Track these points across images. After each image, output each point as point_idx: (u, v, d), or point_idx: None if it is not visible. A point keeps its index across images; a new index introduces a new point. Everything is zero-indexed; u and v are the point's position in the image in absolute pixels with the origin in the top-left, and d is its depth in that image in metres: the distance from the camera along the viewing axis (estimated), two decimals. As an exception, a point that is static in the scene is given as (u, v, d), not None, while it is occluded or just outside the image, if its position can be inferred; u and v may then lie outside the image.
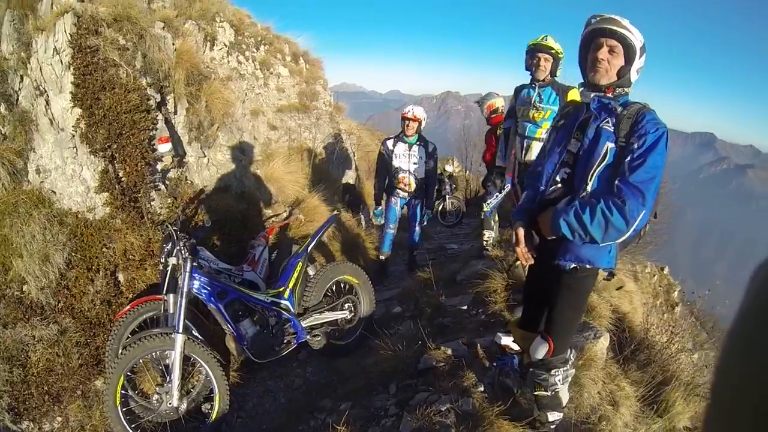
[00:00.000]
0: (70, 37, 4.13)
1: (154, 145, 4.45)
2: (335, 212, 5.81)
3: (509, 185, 5.38)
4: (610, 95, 2.44)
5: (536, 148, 4.52)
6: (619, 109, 2.42)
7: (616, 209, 2.22)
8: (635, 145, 2.30)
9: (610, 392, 3.61)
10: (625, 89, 2.46)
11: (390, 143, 6.34)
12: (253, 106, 7.08)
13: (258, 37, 7.68)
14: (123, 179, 4.18)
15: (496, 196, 6.09)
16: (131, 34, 4.62)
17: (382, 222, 6.69)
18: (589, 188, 2.40)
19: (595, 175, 2.38)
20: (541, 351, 2.67)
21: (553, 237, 2.45)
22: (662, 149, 2.29)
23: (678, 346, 4.58)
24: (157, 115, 4.56)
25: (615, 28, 2.33)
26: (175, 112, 5.06)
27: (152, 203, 4.39)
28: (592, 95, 2.50)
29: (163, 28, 5.14)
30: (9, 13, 4.38)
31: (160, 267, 3.86)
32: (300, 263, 4.45)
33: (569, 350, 2.74)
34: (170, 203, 4.50)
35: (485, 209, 6.10)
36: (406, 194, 6.45)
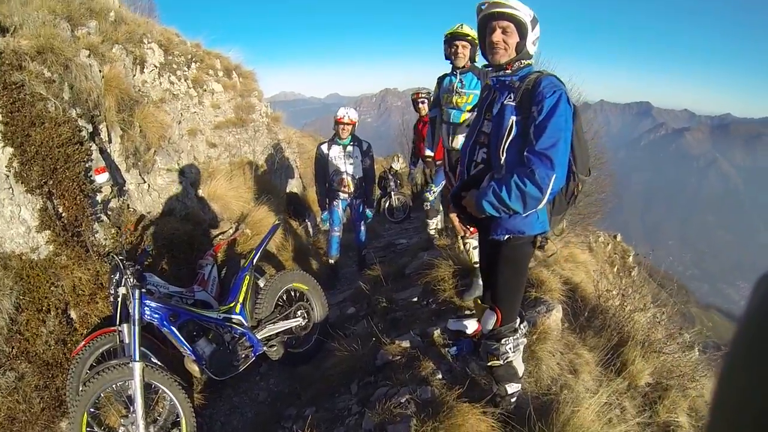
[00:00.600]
0: None
1: (91, 176, 4.41)
2: (277, 222, 5.89)
3: (441, 173, 5.58)
4: (509, 71, 2.59)
5: (461, 133, 4.61)
6: (518, 82, 2.55)
7: (527, 179, 2.33)
8: (535, 113, 2.41)
9: (570, 361, 3.76)
10: (524, 61, 2.59)
11: (324, 147, 6.50)
12: (189, 126, 7.05)
13: (188, 54, 7.63)
14: (63, 215, 4.12)
15: (441, 183, 6.38)
16: (56, 66, 4.55)
17: (328, 226, 6.84)
18: (502, 162, 2.53)
19: (504, 149, 2.52)
20: (490, 322, 2.78)
21: (482, 216, 2.60)
22: (562, 111, 2.38)
23: (631, 307, 4.76)
24: (90, 146, 4.50)
25: (503, 10, 2.47)
26: (110, 141, 5.01)
27: (96, 235, 4.35)
28: (490, 75, 2.73)
29: (89, 55, 5.08)
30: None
31: (111, 298, 3.83)
32: (247, 276, 4.48)
33: (518, 320, 2.84)
34: (114, 233, 4.47)
35: (430, 198, 6.30)
36: (347, 195, 6.62)
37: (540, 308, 3.97)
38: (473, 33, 4.53)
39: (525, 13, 2.49)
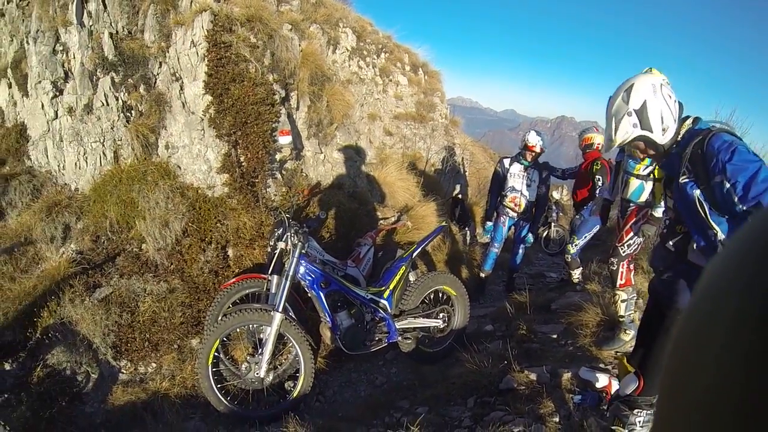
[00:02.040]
0: (206, 33, 4.49)
1: (275, 136, 4.66)
2: (443, 224, 5.72)
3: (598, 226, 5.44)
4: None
5: (633, 183, 4.32)
6: (686, 151, 2.34)
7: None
8: (729, 182, 2.16)
9: None
10: (668, 137, 2.40)
11: (507, 162, 6.33)
12: (370, 111, 7.20)
13: (379, 44, 7.83)
14: (243, 164, 4.43)
15: (585, 237, 5.88)
16: (262, 34, 4.89)
17: (489, 239, 6.62)
18: (720, 234, 2.29)
19: (713, 221, 2.29)
20: (630, 387, 2.68)
21: None
22: (746, 156, 2.15)
23: None
24: (280, 109, 4.78)
25: (616, 145, 2.46)
26: (297, 108, 5.26)
27: (268, 189, 4.61)
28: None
29: (291, 30, 5.38)
30: (153, 7, 4.87)
31: (269, 249, 4.05)
32: (404, 267, 4.50)
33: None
34: (285, 192, 4.68)
35: (571, 250, 5.93)
36: (515, 214, 6.37)
37: None
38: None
39: (628, 128, 2.38)
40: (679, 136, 2.41)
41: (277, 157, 4.73)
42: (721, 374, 0.31)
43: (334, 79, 6.10)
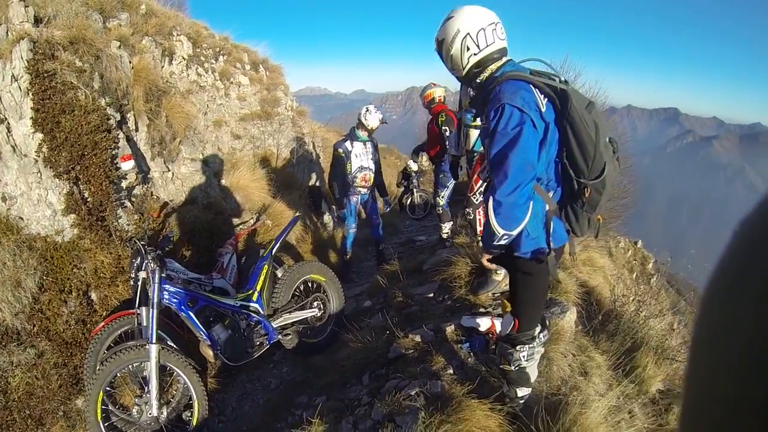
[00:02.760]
0: (27, 63, 4.20)
1: (117, 163, 4.54)
2: (297, 214, 5.95)
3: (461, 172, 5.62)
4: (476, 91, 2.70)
5: (473, 135, 4.62)
6: (480, 98, 2.61)
7: (491, 200, 2.37)
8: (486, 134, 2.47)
9: (581, 363, 3.74)
10: (457, 74, 2.64)
11: (347, 145, 6.54)
12: (215, 117, 7.19)
13: (216, 48, 7.77)
14: (89, 200, 4.26)
15: (447, 187, 6.35)
16: (87, 56, 4.69)
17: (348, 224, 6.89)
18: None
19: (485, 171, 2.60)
20: (507, 327, 2.78)
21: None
22: (506, 121, 2.33)
23: (646, 313, 4.72)
24: (118, 134, 4.64)
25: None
26: (136, 130, 5.14)
27: (119, 221, 4.49)
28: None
29: (119, 47, 5.21)
30: (-36, 43, 4.42)
31: (131, 282, 3.95)
32: (266, 266, 4.55)
33: (538, 328, 2.81)
34: (137, 219, 4.60)
35: (441, 203, 6.37)
36: (366, 190, 6.69)
37: (554, 309, 3.96)
38: None
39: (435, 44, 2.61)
40: (484, 79, 2.54)
41: (123, 184, 4.64)
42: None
43: (173, 92, 6.02)
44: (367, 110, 6.57)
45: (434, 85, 6.91)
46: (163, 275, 3.79)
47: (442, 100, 6.64)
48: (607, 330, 4.36)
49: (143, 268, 3.76)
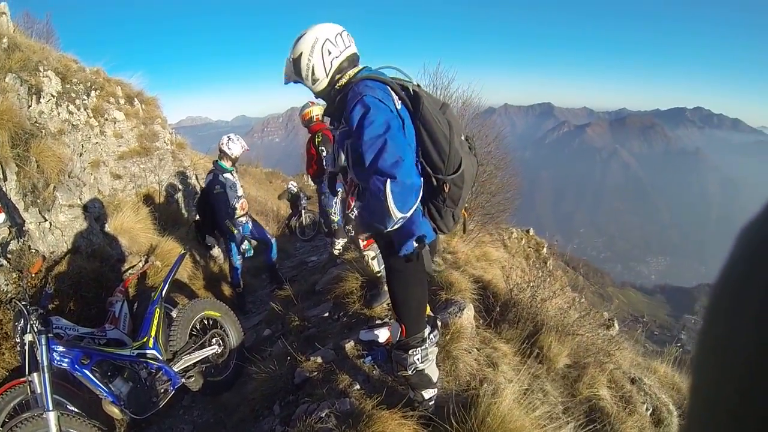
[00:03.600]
0: None
1: None
2: (182, 251, 5.78)
3: (341, 189, 5.68)
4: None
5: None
6: (335, 105, 2.73)
7: (372, 196, 2.32)
8: (353, 133, 2.45)
9: (487, 356, 3.85)
10: (319, 87, 2.70)
11: (221, 177, 6.42)
12: (92, 158, 6.82)
13: (88, 82, 7.37)
14: None
15: (336, 202, 6.49)
16: None
17: (251, 254, 6.76)
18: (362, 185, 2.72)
19: (354, 173, 2.65)
20: (396, 333, 2.85)
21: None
22: (372, 117, 2.35)
23: (542, 296, 4.96)
24: None
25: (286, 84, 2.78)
26: (5, 179, 4.78)
27: None
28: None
29: (-21, 87, 4.83)
30: None
31: (18, 348, 3.68)
32: (157, 309, 4.40)
33: (426, 329, 2.83)
34: (16, 278, 4.28)
35: (335, 219, 6.46)
36: (245, 218, 6.72)
37: (451, 309, 4.07)
38: None
39: (288, 72, 2.72)
40: (343, 84, 2.63)
41: (-3, 240, 4.31)
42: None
43: (43, 133, 5.63)
44: (229, 139, 6.51)
45: (312, 103, 6.84)
46: (50, 335, 3.54)
47: (320, 119, 6.64)
48: (507, 319, 4.54)
49: (28, 331, 3.49)
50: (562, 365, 4.38)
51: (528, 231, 14.76)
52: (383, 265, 4.35)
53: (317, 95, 2.75)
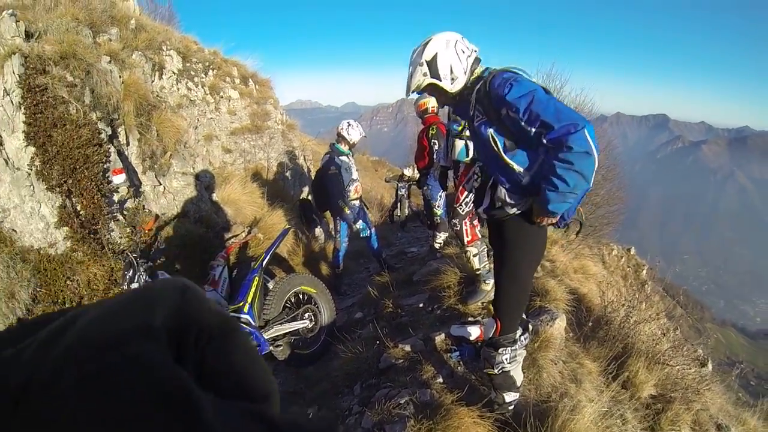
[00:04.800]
0: (18, 78, 4.22)
1: (108, 177, 4.55)
2: (287, 227, 5.92)
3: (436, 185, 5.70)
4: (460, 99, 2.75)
5: (458, 145, 4.61)
6: (472, 97, 2.63)
7: (572, 157, 2.21)
8: (510, 113, 2.38)
9: (572, 370, 3.77)
10: (457, 86, 2.66)
11: (336, 160, 6.40)
12: (206, 131, 7.22)
13: (206, 62, 7.82)
14: (81, 213, 4.26)
15: (440, 196, 6.34)
16: (78, 71, 4.71)
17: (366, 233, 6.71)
18: (518, 168, 2.48)
19: (508, 158, 2.49)
20: (490, 330, 2.85)
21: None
22: (526, 86, 2.36)
23: (636, 318, 4.73)
24: (109, 148, 4.66)
25: (410, 94, 2.80)
26: (128, 144, 5.17)
27: (112, 234, 4.49)
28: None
29: (110, 61, 5.25)
30: (-44, 57, 4.44)
31: None
32: (256, 278, 4.52)
33: (519, 330, 2.85)
34: (129, 232, 4.60)
35: (438, 212, 6.32)
36: (358, 201, 6.66)
37: (544, 317, 4.00)
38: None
39: (419, 77, 2.65)
40: (469, 84, 2.66)
41: (115, 198, 4.64)
42: None
43: (163, 106, 6.05)
44: (349, 125, 6.50)
45: (428, 94, 6.73)
46: None
47: (435, 111, 6.53)
48: (597, 336, 4.38)
49: (135, 281, 3.74)
50: (647, 395, 4.06)
51: (629, 249, 13.81)
52: (484, 263, 4.39)
53: (451, 97, 2.74)
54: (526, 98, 2.32)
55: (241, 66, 8.94)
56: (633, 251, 14.07)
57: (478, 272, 4.37)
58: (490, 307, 3.06)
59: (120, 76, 5.34)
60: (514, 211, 2.62)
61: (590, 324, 4.40)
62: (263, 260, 4.71)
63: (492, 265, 4.29)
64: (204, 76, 7.61)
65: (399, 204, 11.39)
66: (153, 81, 6.41)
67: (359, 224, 6.50)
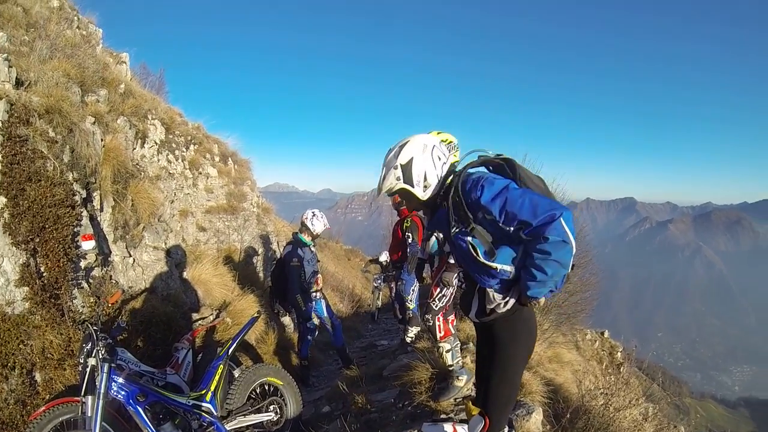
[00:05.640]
0: (1, 124, 4.03)
1: (77, 241, 4.27)
2: (256, 314, 5.65)
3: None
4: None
5: (432, 240, 4.58)
6: (448, 203, 2.52)
7: (547, 245, 2.24)
8: (487, 215, 2.37)
9: None
10: (428, 193, 2.62)
11: (299, 251, 6.30)
12: (182, 207, 7.00)
13: (188, 136, 7.78)
14: (44, 274, 3.95)
15: (413, 290, 6.16)
16: (61, 127, 4.57)
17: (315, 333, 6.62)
18: (500, 267, 2.41)
19: (491, 263, 2.41)
20: (477, 427, 2.67)
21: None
22: (499, 185, 2.37)
23: (615, 405, 4.64)
24: (81, 212, 4.42)
25: (382, 193, 2.73)
26: (101, 210, 4.92)
27: (74, 301, 4.14)
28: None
29: (94, 123, 5.10)
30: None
31: (79, 368, 3.62)
32: (221, 365, 4.33)
33: (506, 429, 2.74)
34: (93, 302, 4.27)
35: (410, 306, 6.12)
36: (319, 293, 6.58)
37: (519, 411, 3.88)
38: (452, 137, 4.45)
39: (392, 180, 2.62)
40: (441, 192, 2.60)
41: (82, 264, 4.30)
42: None
43: (142, 176, 5.84)
44: (314, 215, 6.49)
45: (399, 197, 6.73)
46: (113, 365, 3.54)
47: None
48: (576, 427, 4.25)
49: (93, 355, 3.47)
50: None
51: (603, 333, 13.95)
52: (456, 359, 4.29)
53: (422, 203, 2.68)
54: (500, 199, 2.33)
55: (222, 144, 8.94)
56: (606, 334, 14.14)
57: (450, 368, 4.25)
58: (469, 404, 2.86)
59: (102, 140, 5.16)
60: (507, 307, 2.52)
61: (568, 416, 4.24)
62: (230, 347, 4.51)
63: (464, 360, 4.35)
64: (185, 150, 7.49)
65: (373, 294, 11.22)
66: (134, 149, 6.22)
67: (314, 321, 6.47)
